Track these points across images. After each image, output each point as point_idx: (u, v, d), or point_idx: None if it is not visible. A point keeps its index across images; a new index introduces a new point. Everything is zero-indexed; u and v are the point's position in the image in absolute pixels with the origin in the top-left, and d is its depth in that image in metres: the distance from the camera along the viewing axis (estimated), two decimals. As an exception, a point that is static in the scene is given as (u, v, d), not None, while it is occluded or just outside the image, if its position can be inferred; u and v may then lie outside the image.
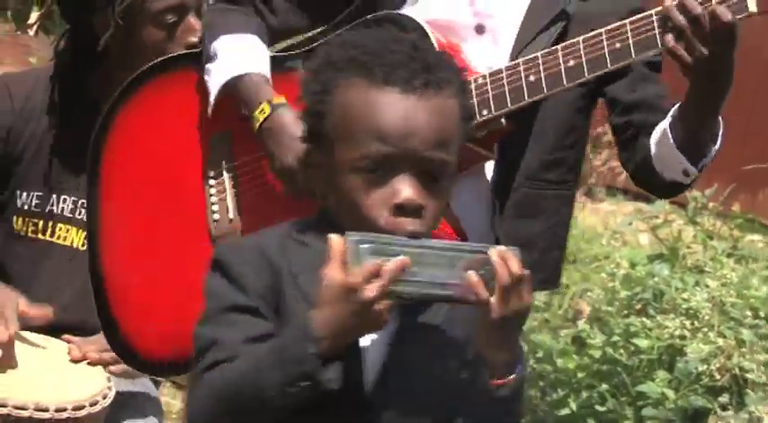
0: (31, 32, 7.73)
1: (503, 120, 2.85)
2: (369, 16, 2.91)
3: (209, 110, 2.81)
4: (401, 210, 2.12)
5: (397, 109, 2.14)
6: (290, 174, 2.78)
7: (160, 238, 2.87)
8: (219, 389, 2.16)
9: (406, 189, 2.12)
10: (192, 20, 3.40)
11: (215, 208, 2.84)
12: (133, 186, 2.90)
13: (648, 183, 3.02)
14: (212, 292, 2.29)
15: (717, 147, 2.86)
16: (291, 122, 2.75)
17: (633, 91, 2.92)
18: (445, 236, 2.35)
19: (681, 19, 2.63)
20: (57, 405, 3.00)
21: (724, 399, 5.45)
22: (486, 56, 2.88)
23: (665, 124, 2.85)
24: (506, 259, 2.06)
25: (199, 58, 3.00)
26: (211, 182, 2.85)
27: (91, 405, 3.07)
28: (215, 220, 2.85)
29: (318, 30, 2.94)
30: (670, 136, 2.82)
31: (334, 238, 2.05)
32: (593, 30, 2.88)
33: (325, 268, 2.06)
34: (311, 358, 2.04)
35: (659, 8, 2.74)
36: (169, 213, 2.87)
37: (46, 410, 3.00)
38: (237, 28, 2.86)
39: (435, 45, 2.79)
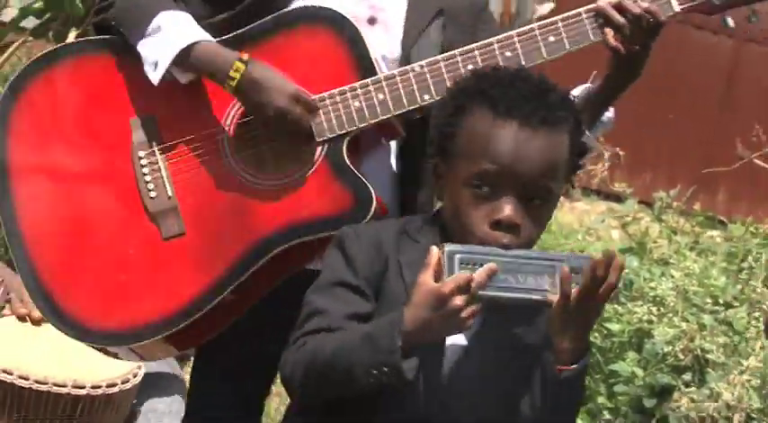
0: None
1: None
2: (286, 10, 2.78)
3: (157, 77, 2.67)
4: (499, 225, 2.15)
5: (512, 139, 2.18)
6: (287, 113, 2.65)
7: (86, 217, 2.74)
8: (316, 355, 2.18)
9: (507, 207, 2.16)
10: None
11: (150, 186, 2.72)
12: (47, 167, 2.77)
13: None
14: (328, 265, 2.35)
15: (608, 124, 2.90)
16: (271, 70, 2.68)
17: None
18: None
19: (619, 17, 2.62)
20: (92, 383, 2.97)
21: (687, 377, 5.38)
22: (380, 44, 2.80)
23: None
24: (596, 268, 2.08)
25: (107, 44, 2.83)
26: (143, 161, 2.72)
27: (122, 383, 3.03)
28: (152, 197, 2.72)
29: (221, 18, 2.79)
30: (589, 115, 2.76)
31: (433, 248, 2.09)
32: (463, 23, 2.89)
33: (421, 274, 2.09)
34: (396, 350, 2.05)
35: (588, 7, 2.72)
36: (95, 192, 2.74)
37: (82, 387, 2.95)
38: (171, 5, 2.72)
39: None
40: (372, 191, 2.66)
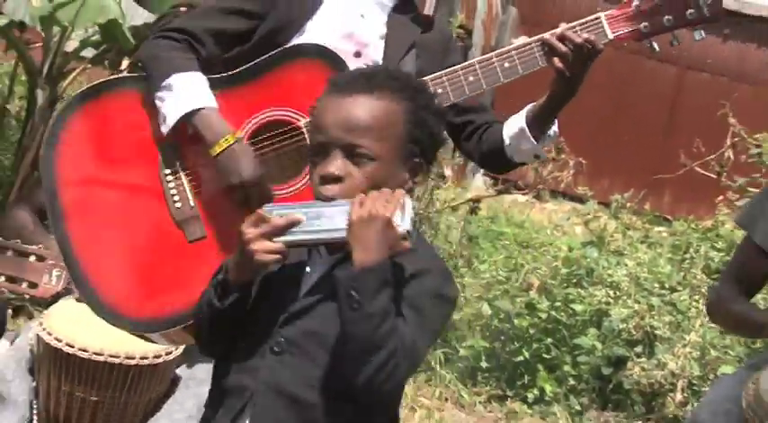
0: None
1: None
2: (284, 47, 2.76)
3: (166, 131, 2.70)
4: (324, 180, 2.01)
5: (329, 108, 2.05)
6: (248, 184, 2.64)
7: (124, 222, 2.74)
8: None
9: (327, 164, 2.01)
10: None
11: (176, 198, 2.72)
12: (90, 183, 2.78)
13: (497, 166, 2.95)
14: None
15: (552, 138, 2.84)
16: (249, 151, 2.66)
17: (474, 99, 2.83)
18: None
19: (563, 46, 2.60)
20: (141, 354, 2.96)
21: (638, 349, 5.38)
22: None
23: (521, 123, 2.76)
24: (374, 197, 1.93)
25: (139, 81, 2.84)
26: (168, 178, 2.72)
27: (166, 354, 3.03)
28: (177, 208, 2.72)
29: (233, 54, 2.82)
30: (528, 132, 2.74)
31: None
32: (433, 53, 2.87)
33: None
34: (214, 286, 2.05)
35: (536, 37, 2.69)
36: (130, 202, 2.75)
37: (133, 358, 2.94)
38: (185, 67, 2.73)
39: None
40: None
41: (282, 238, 1.98)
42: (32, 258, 2.64)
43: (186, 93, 2.68)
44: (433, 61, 2.82)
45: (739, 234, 3.49)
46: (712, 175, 7.44)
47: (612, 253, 6.25)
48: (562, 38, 2.61)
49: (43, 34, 5.30)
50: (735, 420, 2.75)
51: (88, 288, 2.72)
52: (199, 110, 2.66)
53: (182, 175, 2.72)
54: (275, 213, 2.00)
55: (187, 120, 2.66)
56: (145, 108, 2.76)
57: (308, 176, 2.57)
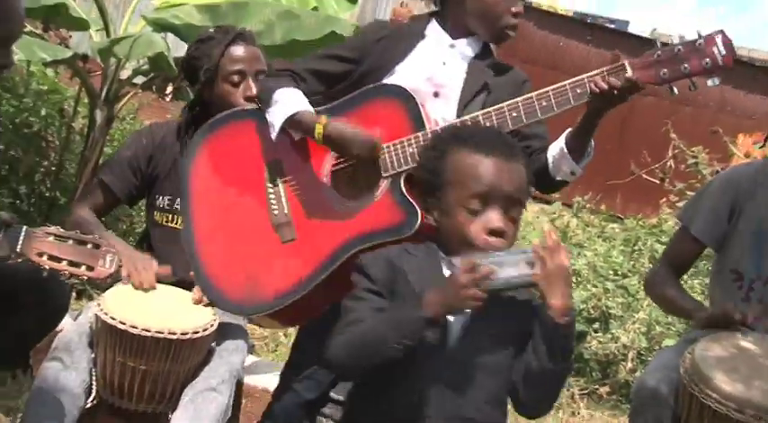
0: (168, 99, 7.59)
1: None
2: (371, 86, 2.85)
3: (274, 135, 2.79)
4: (493, 233, 2.12)
5: (494, 166, 2.17)
6: (359, 154, 2.74)
7: (235, 224, 2.84)
8: (353, 338, 2.15)
9: (496, 218, 2.13)
10: (250, 82, 3.27)
11: (274, 206, 2.78)
12: (214, 191, 2.87)
13: (543, 183, 2.88)
14: (355, 282, 2.28)
15: (590, 156, 2.84)
16: (344, 123, 2.74)
17: (529, 129, 2.82)
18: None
19: (605, 86, 2.60)
20: (182, 330, 2.93)
21: (596, 326, 5.38)
22: (440, 112, 2.85)
23: (561, 144, 2.79)
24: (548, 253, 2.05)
25: (256, 113, 2.91)
26: (270, 190, 2.78)
27: (203, 330, 3.00)
28: (275, 214, 2.76)
29: (334, 90, 2.91)
30: (566, 152, 2.78)
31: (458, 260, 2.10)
32: (501, 94, 2.85)
33: (452, 275, 2.12)
34: (421, 320, 2.07)
35: (571, 81, 2.69)
36: (241, 208, 2.84)
37: (175, 334, 2.94)
38: (285, 85, 2.80)
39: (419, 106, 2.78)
40: (419, 211, 2.63)
41: (486, 286, 2.02)
42: (89, 246, 2.63)
43: (285, 103, 2.78)
44: (500, 100, 2.79)
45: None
46: (657, 181, 7.48)
47: (574, 245, 6.26)
48: (607, 82, 2.60)
49: (102, 64, 5.30)
50: (674, 383, 2.75)
51: (203, 272, 2.86)
52: (297, 112, 2.75)
53: (280, 188, 2.82)
54: (479, 259, 2.04)
55: (289, 122, 2.76)
56: (258, 134, 2.87)
57: (377, 193, 2.73)
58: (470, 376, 2.17)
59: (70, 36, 7.07)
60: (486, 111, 2.74)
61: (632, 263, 6.04)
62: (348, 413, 2.45)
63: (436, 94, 2.86)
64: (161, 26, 5.17)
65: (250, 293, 2.85)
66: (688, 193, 6.59)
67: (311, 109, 2.80)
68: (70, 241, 2.61)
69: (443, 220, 2.25)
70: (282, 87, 2.80)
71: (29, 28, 5.41)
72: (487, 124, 2.69)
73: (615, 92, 2.60)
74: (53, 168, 5.64)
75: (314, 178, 2.86)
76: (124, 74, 5.37)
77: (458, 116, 2.85)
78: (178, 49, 6.42)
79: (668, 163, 7.85)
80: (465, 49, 2.90)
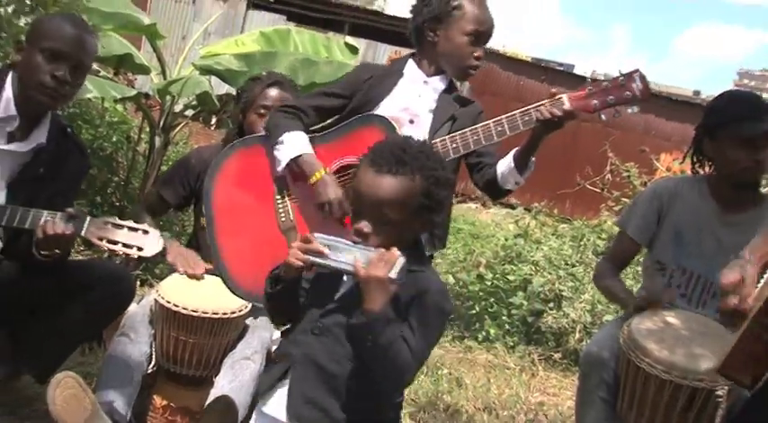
0: (213, 128, 7.56)
1: None
2: (359, 115, 2.78)
3: (280, 170, 2.74)
4: (355, 232, 1.89)
5: (366, 180, 1.89)
6: (332, 202, 2.66)
7: (249, 227, 2.79)
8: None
9: (358, 224, 1.89)
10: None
11: (282, 215, 2.74)
12: (233, 201, 2.82)
13: (493, 191, 2.83)
14: None
15: (531, 170, 2.76)
16: (334, 181, 2.69)
17: (485, 148, 2.77)
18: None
19: (547, 115, 2.59)
20: (223, 311, 2.93)
21: (551, 305, 5.34)
22: (415, 136, 2.68)
23: (509, 161, 2.73)
24: (374, 261, 1.81)
25: (264, 139, 2.88)
26: (278, 201, 2.73)
27: (239, 311, 3.01)
28: (282, 220, 2.73)
29: (328, 122, 2.88)
30: (513, 167, 2.72)
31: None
32: (464, 123, 2.78)
33: None
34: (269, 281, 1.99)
35: (520, 111, 2.65)
36: (254, 215, 2.79)
37: (216, 314, 2.93)
38: (293, 128, 2.74)
39: (398, 131, 2.71)
40: None
41: (314, 259, 1.87)
42: (140, 232, 2.58)
43: (292, 145, 2.72)
44: (463, 127, 2.75)
45: (615, 229, 3.47)
46: (597, 190, 7.44)
47: (533, 242, 6.22)
48: (550, 111, 2.57)
49: (160, 101, 5.30)
50: (614, 350, 2.72)
51: (223, 266, 2.79)
52: (300, 155, 2.70)
53: (287, 200, 2.77)
54: (319, 239, 1.88)
55: (293, 162, 2.70)
56: (267, 156, 2.80)
57: None
58: (339, 332, 1.90)
59: (135, 78, 7.07)
60: (452, 135, 2.70)
61: (579, 255, 5.98)
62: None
63: (411, 122, 2.81)
64: (206, 70, 5.17)
65: (259, 285, 2.78)
66: (623, 199, 6.59)
67: (312, 151, 2.74)
68: (125, 229, 2.56)
69: None
70: (289, 130, 2.76)
71: (102, 72, 5.42)
72: (454, 146, 2.66)
73: (555, 119, 2.59)
74: (122, 183, 5.67)
75: (311, 193, 2.78)
76: (177, 108, 5.37)
77: (429, 139, 2.78)
78: (220, 88, 6.43)
79: (606, 176, 7.84)
80: (437, 84, 2.86)
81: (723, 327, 2.38)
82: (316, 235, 1.89)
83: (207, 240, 3.20)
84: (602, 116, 2.67)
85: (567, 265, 5.77)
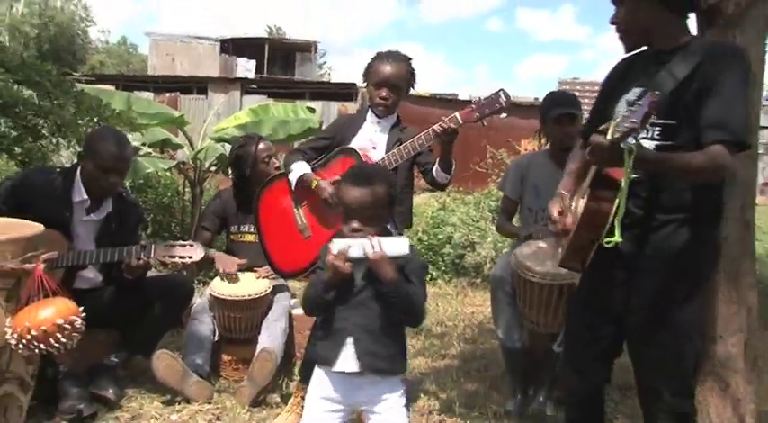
0: (230, 176, 7.43)
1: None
2: (339, 147, 2.66)
3: (293, 187, 2.63)
4: (352, 230, 1.77)
5: (349, 192, 1.79)
6: (333, 195, 2.53)
7: (280, 229, 2.66)
8: (305, 293, 1.83)
9: (350, 224, 1.78)
10: (273, 160, 3.22)
11: (298, 219, 2.65)
12: (272, 215, 2.71)
13: (435, 186, 2.69)
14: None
15: (453, 168, 2.67)
16: (329, 184, 2.55)
17: (423, 158, 2.68)
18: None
19: (446, 128, 2.47)
20: (254, 294, 2.90)
21: (468, 249, 5.44)
22: (376, 157, 2.64)
23: (437, 166, 2.62)
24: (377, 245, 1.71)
25: (284, 175, 2.78)
26: (295, 209, 2.65)
27: (265, 292, 2.96)
28: (298, 223, 2.66)
29: (321, 156, 2.77)
30: (438, 168, 2.61)
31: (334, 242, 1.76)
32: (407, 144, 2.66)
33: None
34: (323, 283, 1.75)
35: (431, 128, 2.52)
36: (282, 220, 2.66)
37: (251, 296, 2.88)
38: (298, 160, 2.64)
39: (363, 159, 2.59)
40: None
41: (349, 256, 1.70)
42: (187, 246, 2.57)
43: (298, 169, 2.63)
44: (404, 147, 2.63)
45: (500, 193, 3.46)
46: (485, 170, 7.49)
47: (450, 211, 6.22)
48: (446, 129, 2.48)
49: (193, 164, 5.24)
50: (509, 270, 2.73)
51: (268, 256, 2.67)
52: (303, 174, 2.61)
53: (300, 209, 2.65)
54: (336, 243, 1.73)
55: (299, 180, 2.61)
56: (287, 184, 2.67)
57: None
58: (372, 303, 1.77)
59: (175, 153, 6.93)
60: (393, 151, 2.61)
61: (480, 214, 6.01)
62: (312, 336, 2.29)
63: (374, 147, 2.73)
64: (219, 140, 5.13)
65: (287, 266, 2.69)
66: (501, 174, 6.64)
67: (310, 171, 2.66)
68: (177, 247, 2.56)
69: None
70: (296, 162, 2.65)
71: (154, 153, 5.37)
72: (394, 158, 2.55)
73: (449, 130, 2.52)
74: (178, 221, 5.59)
75: (317, 203, 2.67)
76: (205, 167, 5.28)
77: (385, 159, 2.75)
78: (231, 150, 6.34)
79: (488, 160, 7.92)
80: (385, 123, 2.76)
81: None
82: (333, 241, 1.76)
83: (234, 246, 3.13)
84: (484, 123, 2.63)
85: (474, 222, 5.79)
